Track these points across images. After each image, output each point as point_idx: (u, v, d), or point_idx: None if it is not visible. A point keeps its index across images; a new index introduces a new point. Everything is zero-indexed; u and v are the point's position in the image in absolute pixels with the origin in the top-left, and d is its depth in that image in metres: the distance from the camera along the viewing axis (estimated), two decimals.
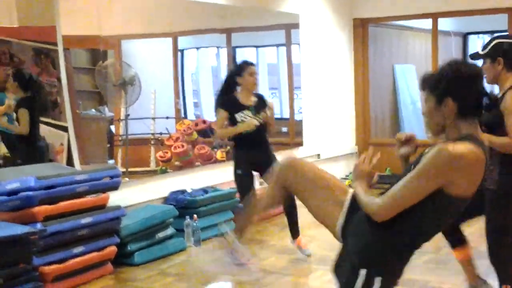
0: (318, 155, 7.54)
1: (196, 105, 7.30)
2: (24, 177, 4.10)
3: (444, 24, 8.45)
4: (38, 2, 4.99)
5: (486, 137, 2.27)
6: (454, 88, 1.93)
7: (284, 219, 6.37)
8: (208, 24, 6.68)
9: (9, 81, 4.86)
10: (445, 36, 9.00)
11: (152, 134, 6.47)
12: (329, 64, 7.85)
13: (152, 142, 6.44)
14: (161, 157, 6.15)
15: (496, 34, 3.24)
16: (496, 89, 3.15)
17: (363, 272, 2.10)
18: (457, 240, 3.50)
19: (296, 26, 7.33)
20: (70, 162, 4.95)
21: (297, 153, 7.30)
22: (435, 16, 7.76)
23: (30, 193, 4.00)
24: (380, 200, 2.03)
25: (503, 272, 3.21)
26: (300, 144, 7.37)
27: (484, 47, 3.09)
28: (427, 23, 7.99)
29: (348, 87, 8.22)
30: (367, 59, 8.29)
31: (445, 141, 1.99)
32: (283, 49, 7.73)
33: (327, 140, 7.77)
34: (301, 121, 7.44)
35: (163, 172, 5.98)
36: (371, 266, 2.11)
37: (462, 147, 1.89)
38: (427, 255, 4.51)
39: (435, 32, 7.83)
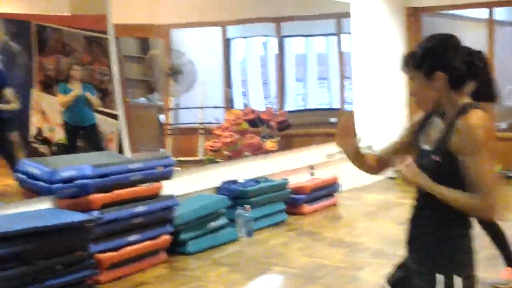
0: (369, 146, 7.37)
1: (244, 94, 7.24)
2: (79, 165, 4.09)
3: (500, 13, 8.17)
4: None
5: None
6: (442, 61, 1.95)
7: (336, 211, 6.23)
8: (257, 13, 6.61)
9: (74, 69, 4.87)
10: (501, 26, 8.70)
11: (201, 123, 6.43)
12: (381, 54, 7.66)
13: (201, 131, 6.40)
14: (211, 146, 6.11)
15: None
16: None
17: (440, 278, 1.99)
18: None
19: (346, 15, 7.17)
20: (120, 149, 4.95)
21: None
22: (491, 5, 7.51)
23: (87, 181, 3.99)
24: (475, 195, 1.88)
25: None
26: None
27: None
28: (482, 13, 7.74)
29: (401, 78, 8.02)
30: None
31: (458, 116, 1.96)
32: (332, 39, 7.59)
33: (378, 131, 7.59)
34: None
35: (211, 161, 5.93)
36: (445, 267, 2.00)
37: (478, 117, 1.91)
38: (487, 250, 4.32)
39: (491, 22, 7.57)
